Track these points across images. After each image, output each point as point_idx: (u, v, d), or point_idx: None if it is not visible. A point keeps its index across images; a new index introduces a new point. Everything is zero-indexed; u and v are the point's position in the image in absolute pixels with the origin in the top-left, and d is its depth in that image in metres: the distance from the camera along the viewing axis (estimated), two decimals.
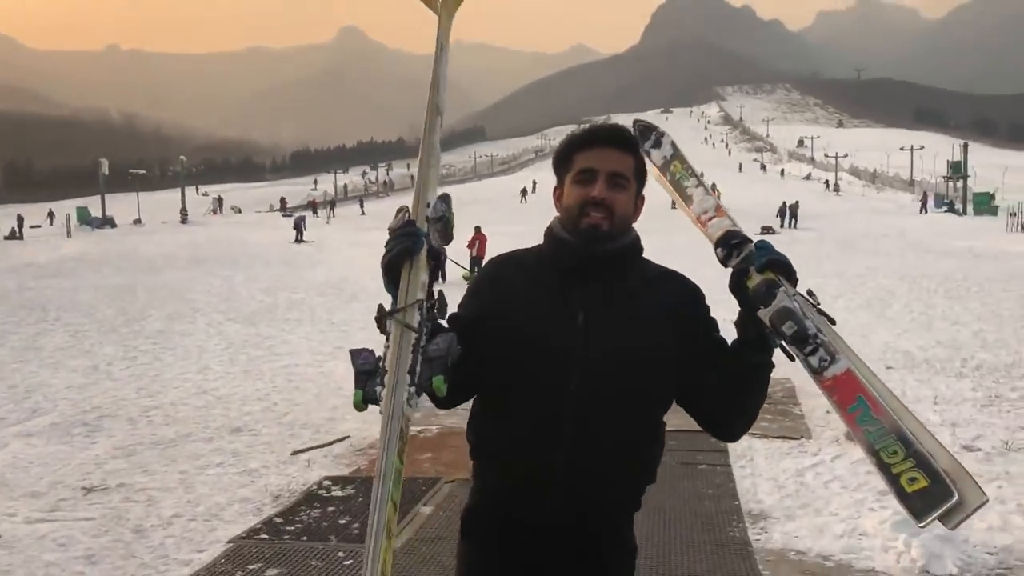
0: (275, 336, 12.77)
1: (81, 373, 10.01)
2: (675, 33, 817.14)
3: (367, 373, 1.57)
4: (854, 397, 1.63)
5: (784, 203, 41.91)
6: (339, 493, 5.47)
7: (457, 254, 22.38)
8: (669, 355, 1.79)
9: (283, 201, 71.78)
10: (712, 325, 1.88)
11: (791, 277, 1.75)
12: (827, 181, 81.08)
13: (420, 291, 1.65)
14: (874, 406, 1.61)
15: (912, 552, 4.27)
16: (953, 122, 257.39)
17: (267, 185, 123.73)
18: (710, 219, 1.95)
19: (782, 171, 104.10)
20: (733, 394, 1.82)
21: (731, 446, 6.33)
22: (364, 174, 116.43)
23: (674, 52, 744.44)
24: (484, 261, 22.43)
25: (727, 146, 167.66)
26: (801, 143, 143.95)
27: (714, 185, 62.85)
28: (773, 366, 1.80)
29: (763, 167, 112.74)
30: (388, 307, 1.66)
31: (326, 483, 5.66)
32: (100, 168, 62.81)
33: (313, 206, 65.35)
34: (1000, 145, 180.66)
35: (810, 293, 1.73)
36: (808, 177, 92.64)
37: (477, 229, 22.13)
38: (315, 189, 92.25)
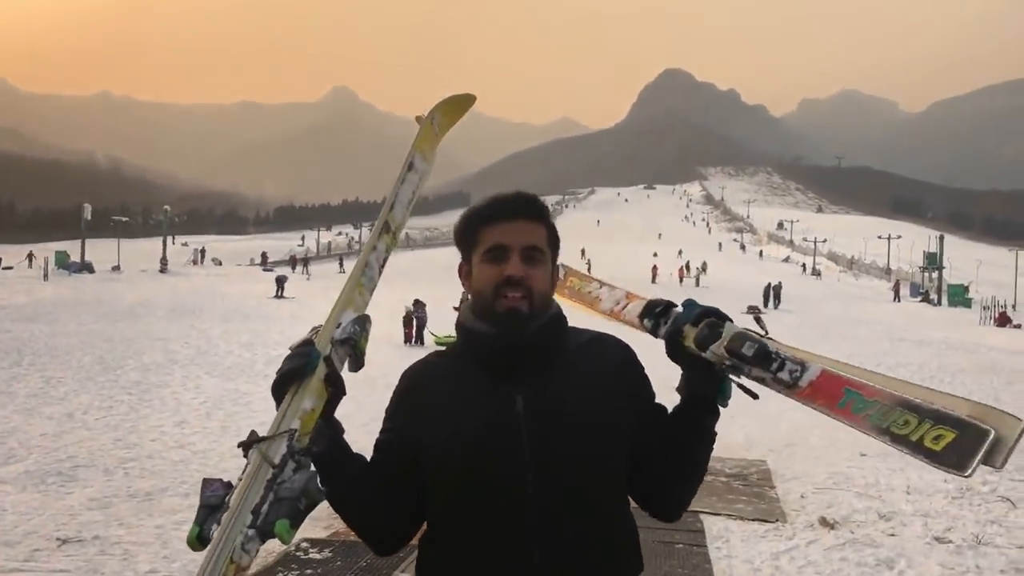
0: (252, 393, 12.73)
1: (56, 421, 9.94)
2: (661, 112, 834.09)
3: (210, 508, 1.33)
4: (840, 391, 1.53)
5: (769, 284, 42.50)
6: (316, 556, 5.47)
7: (438, 314, 22.47)
8: (620, 419, 1.66)
9: (264, 256, 71.78)
10: (650, 389, 1.76)
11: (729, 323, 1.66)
12: (804, 264, 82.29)
13: (297, 419, 1.46)
14: (865, 390, 1.50)
15: None
16: (930, 213, 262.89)
17: (249, 238, 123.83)
18: (624, 308, 1.90)
19: (760, 252, 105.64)
20: (676, 465, 1.69)
21: (708, 527, 6.39)
22: (339, 233, 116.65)
23: (659, 130, 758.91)
24: None
25: (708, 225, 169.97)
26: (781, 226, 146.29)
27: (704, 264, 63.62)
28: (716, 434, 1.71)
29: (743, 247, 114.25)
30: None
31: (304, 545, 5.65)
32: (83, 212, 62.70)
33: (293, 262, 65.44)
34: (975, 239, 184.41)
35: (757, 320, 1.68)
36: (787, 260, 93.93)
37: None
38: (302, 245, 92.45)
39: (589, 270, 59.62)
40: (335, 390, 1.54)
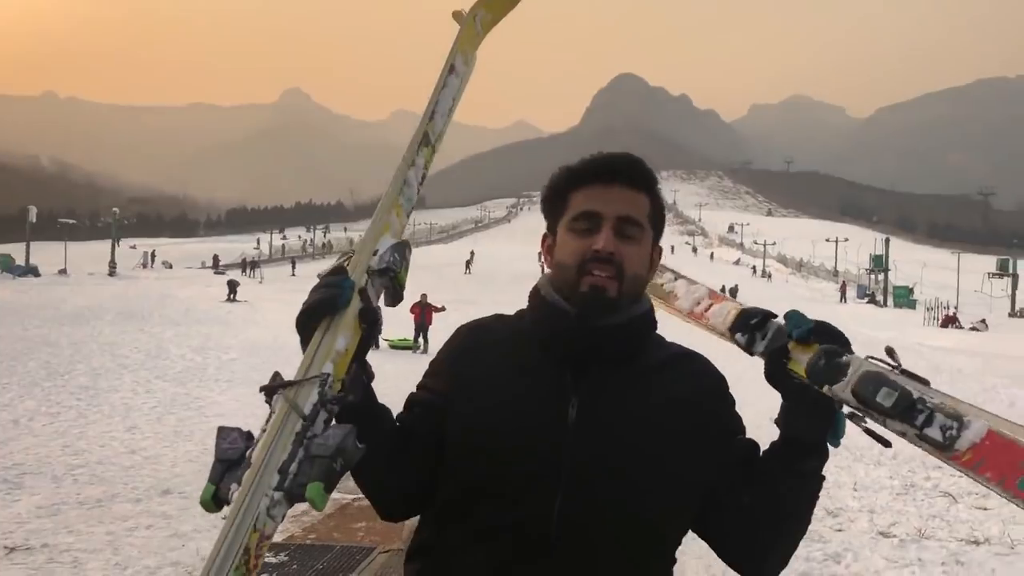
0: (205, 397, 12.58)
1: (1, 427, 9.72)
2: (614, 117, 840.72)
3: (227, 463, 1.13)
4: (1018, 464, 1.11)
5: (724, 286, 43.38)
6: (272, 559, 5.44)
7: (394, 316, 22.39)
8: (689, 464, 1.37)
9: (216, 258, 70.92)
10: (740, 425, 1.47)
11: (847, 346, 1.32)
12: (754, 267, 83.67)
13: (329, 362, 1.23)
14: None
15: None
16: (876, 217, 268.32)
17: (200, 241, 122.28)
18: (707, 309, 1.56)
19: (712, 255, 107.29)
20: (772, 516, 1.37)
21: None
22: (284, 237, 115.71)
23: (613, 134, 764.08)
24: (429, 329, 22.08)
25: None
26: (731, 229, 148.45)
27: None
28: (824, 478, 1.40)
29: (694, 250, 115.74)
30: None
31: None
32: (28, 215, 61.43)
33: (244, 265, 64.76)
34: (920, 241, 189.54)
35: (890, 352, 1.30)
36: (737, 262, 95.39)
37: (423, 298, 22.04)
38: (257, 248, 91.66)
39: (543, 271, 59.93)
40: (370, 328, 1.30)
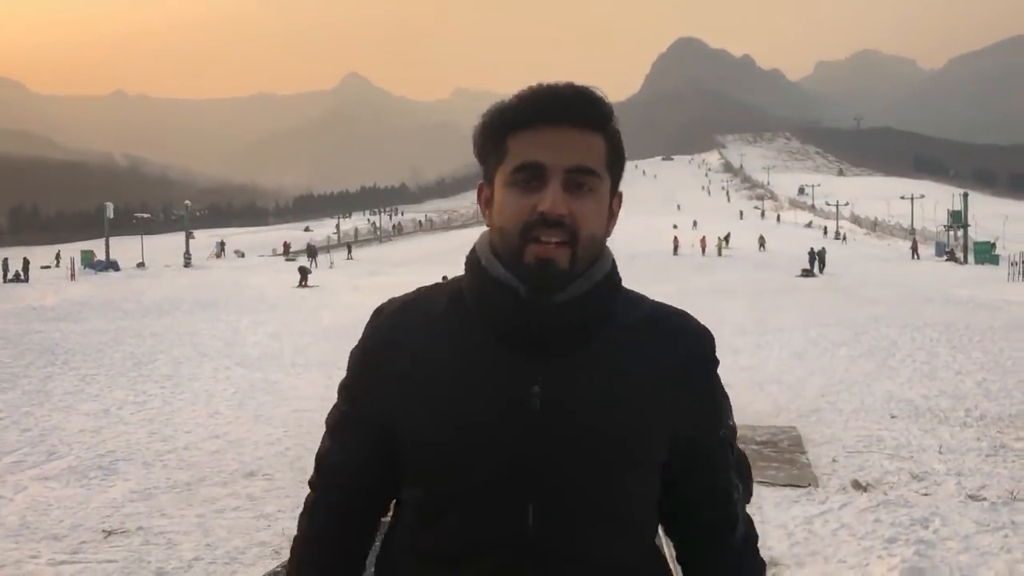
0: (283, 381, 12.86)
1: (93, 417, 10.10)
2: (675, 82, 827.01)
3: None
4: None
5: (812, 249, 42.88)
6: None
7: None
8: (667, 443, 1.21)
9: (287, 245, 72.19)
10: (718, 410, 1.28)
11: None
12: (825, 228, 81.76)
13: None
14: None
15: None
16: (953, 171, 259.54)
17: (270, 229, 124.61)
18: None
19: (778, 217, 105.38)
20: None
21: None
22: (368, 220, 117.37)
23: (674, 100, 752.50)
24: None
25: (727, 193, 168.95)
26: (802, 191, 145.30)
27: (728, 236, 62.82)
28: None
29: (762, 214, 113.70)
30: None
31: None
32: (105, 212, 63.41)
33: (311, 251, 65.88)
34: (1000, 194, 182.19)
35: None
36: (809, 225, 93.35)
37: None
38: (336, 231, 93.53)
39: None
40: None
